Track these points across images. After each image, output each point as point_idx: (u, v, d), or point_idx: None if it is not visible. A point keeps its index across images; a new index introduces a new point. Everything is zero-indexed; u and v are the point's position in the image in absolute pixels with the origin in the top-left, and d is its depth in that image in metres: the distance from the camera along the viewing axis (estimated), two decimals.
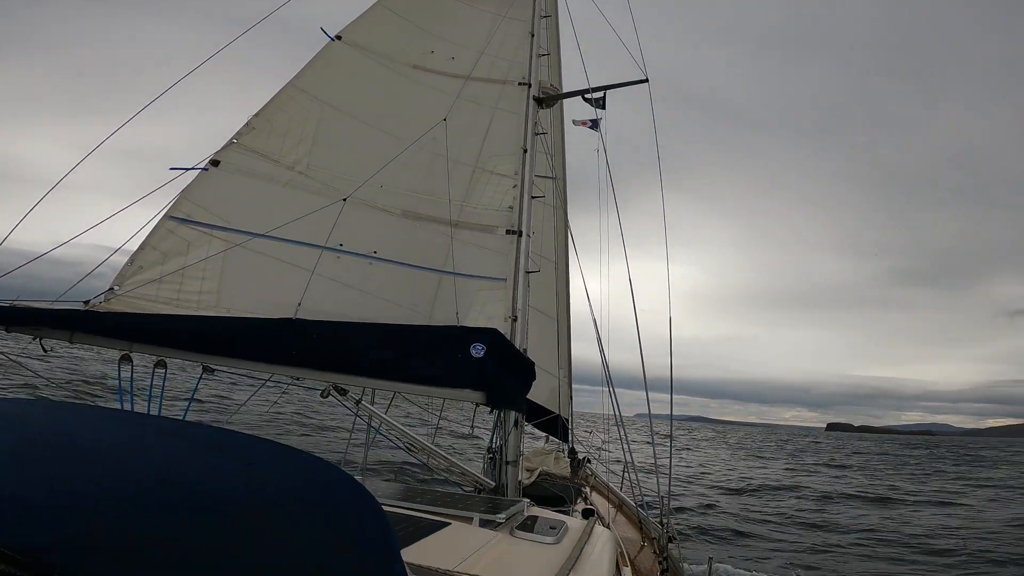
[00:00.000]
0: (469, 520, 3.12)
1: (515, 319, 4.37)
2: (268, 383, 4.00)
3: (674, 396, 6.05)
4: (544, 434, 8.27)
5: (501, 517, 3.18)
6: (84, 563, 0.73)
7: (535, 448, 8.33)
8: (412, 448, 4.30)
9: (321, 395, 3.77)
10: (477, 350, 3.81)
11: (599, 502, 7.17)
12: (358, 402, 3.94)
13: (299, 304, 4.06)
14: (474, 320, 4.25)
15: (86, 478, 0.94)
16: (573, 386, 8.10)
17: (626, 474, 7.31)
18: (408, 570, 0.94)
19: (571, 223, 6.67)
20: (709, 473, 30.55)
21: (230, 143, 4.32)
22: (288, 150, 4.44)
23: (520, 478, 4.56)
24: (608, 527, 4.11)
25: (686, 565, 5.80)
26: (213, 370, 3.81)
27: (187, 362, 3.85)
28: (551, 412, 7.13)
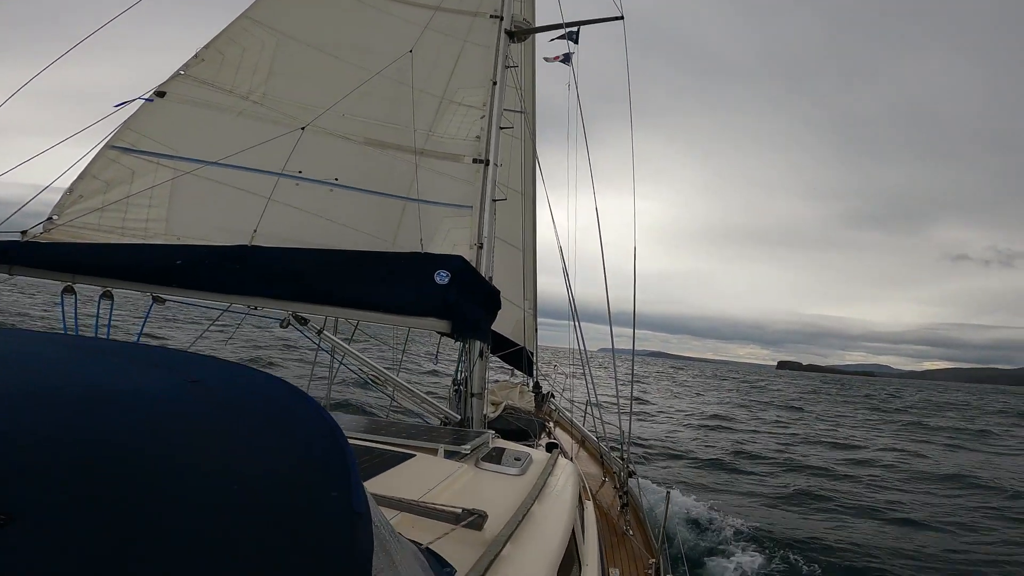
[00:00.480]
0: (434, 452, 3.09)
1: (481, 246, 4.26)
2: (223, 315, 3.87)
3: (636, 331, 6.10)
4: (509, 367, 8.30)
5: (466, 448, 3.15)
6: (9, 481, 0.63)
7: (500, 382, 8.40)
8: (376, 380, 4.23)
9: (280, 325, 3.66)
10: (441, 277, 3.69)
11: (562, 437, 7.38)
12: (320, 332, 3.82)
13: (255, 231, 3.90)
14: (439, 247, 4.12)
15: (9, 391, 0.82)
16: (538, 319, 8.12)
17: (588, 410, 7.48)
18: (371, 499, 0.87)
19: (539, 158, 6.53)
20: (669, 410, 31.72)
21: (176, 75, 4.11)
22: (241, 81, 4.23)
23: (485, 411, 4.54)
24: (571, 461, 4.14)
25: (645, 499, 5.93)
26: (164, 300, 3.64)
27: (138, 293, 3.64)
28: (516, 344, 7.13)
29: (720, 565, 8.22)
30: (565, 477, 3.31)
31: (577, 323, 6.04)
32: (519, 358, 7.44)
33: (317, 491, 0.76)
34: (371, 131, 4.46)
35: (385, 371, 4.18)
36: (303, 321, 3.70)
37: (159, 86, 4.06)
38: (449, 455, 3.09)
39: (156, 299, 3.65)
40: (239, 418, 0.88)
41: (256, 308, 3.70)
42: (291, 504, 0.72)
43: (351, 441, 2.89)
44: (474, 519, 1.97)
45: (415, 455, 2.84)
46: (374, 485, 2.24)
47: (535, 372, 7.90)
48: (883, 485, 14.70)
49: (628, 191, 6.24)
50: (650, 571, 4.43)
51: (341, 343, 4.02)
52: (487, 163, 4.43)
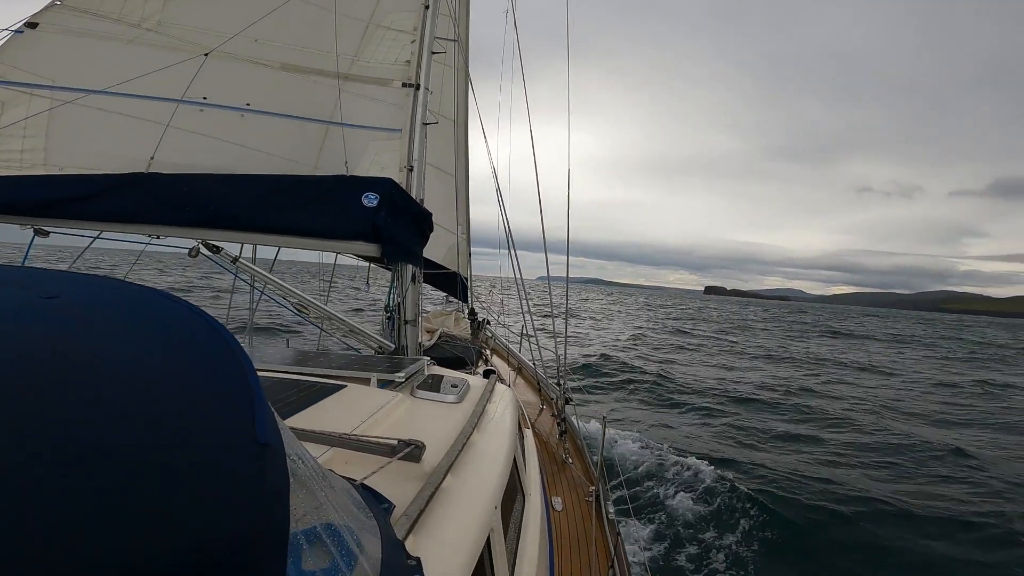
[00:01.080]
0: (366, 381, 2.94)
1: (411, 169, 3.99)
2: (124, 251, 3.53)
3: (572, 259, 6.04)
4: (443, 294, 8.15)
5: (400, 376, 3.01)
6: None
7: (435, 310, 8.22)
8: (302, 308, 3.97)
9: (189, 254, 3.36)
10: (370, 199, 3.46)
11: (499, 364, 7.31)
12: (235, 260, 3.53)
13: (152, 158, 3.55)
14: (365, 170, 3.83)
15: None
16: (473, 248, 7.92)
17: (524, 337, 7.45)
18: (287, 432, 0.76)
19: (473, 87, 6.22)
20: (605, 335, 32.75)
21: (51, 4, 3.76)
22: (132, 9, 3.83)
23: (421, 339, 4.38)
24: (509, 388, 4.02)
25: (582, 426, 5.99)
26: (47, 232, 3.33)
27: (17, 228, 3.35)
28: (450, 269, 6.95)
29: (658, 489, 8.50)
30: (504, 404, 3.21)
31: (512, 248, 5.90)
32: (453, 284, 7.27)
33: (210, 419, 0.62)
34: (289, 56, 4.09)
35: (312, 300, 3.94)
36: (215, 249, 3.40)
37: (30, 17, 3.72)
38: (383, 384, 2.94)
39: (38, 231, 3.34)
40: (107, 337, 0.69)
41: (158, 237, 3.38)
42: (178, 437, 0.57)
43: (276, 375, 2.61)
44: (411, 450, 1.85)
45: (346, 386, 2.66)
46: (301, 420, 2.10)
47: (470, 298, 7.73)
48: (810, 414, 15.76)
49: (562, 124, 6.04)
50: (590, 499, 4.45)
51: (261, 271, 3.74)
52: (417, 87, 4.12)
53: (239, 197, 3.41)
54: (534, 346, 6.52)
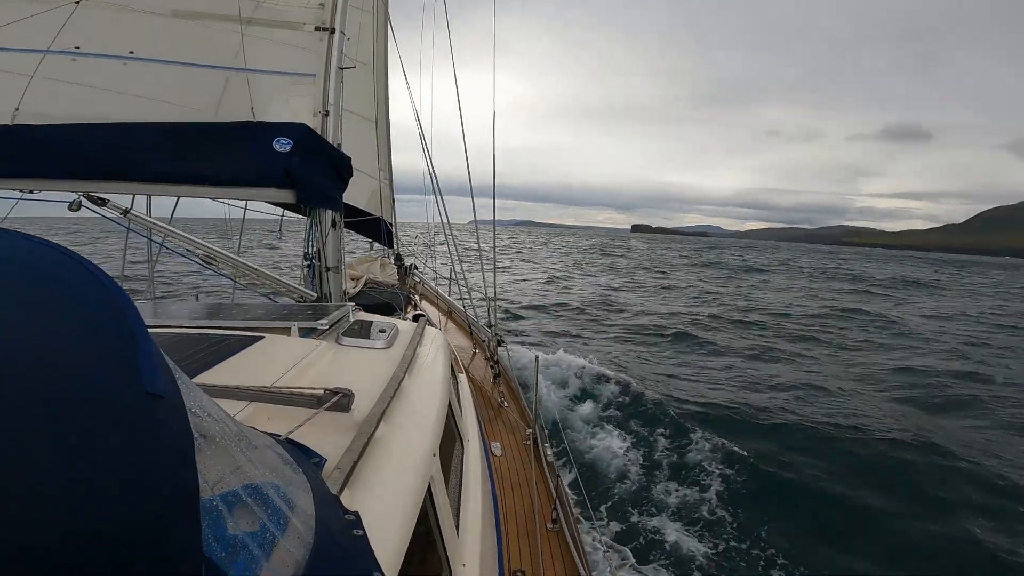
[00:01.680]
0: (286, 331, 2.74)
1: (327, 114, 3.79)
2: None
3: (502, 202, 5.98)
4: (368, 240, 7.90)
5: (323, 324, 2.82)
6: None
7: (359, 256, 7.96)
8: (210, 261, 3.69)
9: (70, 207, 3.05)
10: (282, 144, 3.26)
11: (429, 309, 7.19)
12: (125, 212, 3.24)
13: (16, 110, 3.16)
14: (276, 116, 3.56)
15: None
16: (399, 196, 7.66)
17: (453, 280, 7.35)
18: (190, 387, 0.70)
19: (394, 31, 5.93)
20: (533, 276, 33.16)
21: None
22: None
23: (345, 287, 4.27)
24: (440, 331, 3.88)
25: (515, 368, 5.98)
26: None
27: None
28: (372, 215, 6.72)
29: (592, 427, 8.62)
30: (435, 347, 3.06)
31: (437, 189, 5.84)
32: (377, 230, 7.03)
33: (86, 370, 0.55)
34: (180, 2, 3.69)
35: (221, 250, 3.68)
36: (100, 202, 3.11)
37: None
38: (304, 333, 2.76)
39: None
40: None
41: (32, 191, 3.05)
42: (54, 392, 0.51)
43: (184, 331, 2.33)
44: (339, 399, 1.74)
45: (264, 337, 2.45)
46: (214, 375, 1.94)
47: (396, 243, 7.51)
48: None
49: (486, 69, 5.89)
50: (527, 442, 4.40)
51: (158, 222, 3.45)
52: (332, 31, 3.87)
53: (128, 146, 3.12)
54: (463, 288, 6.49)
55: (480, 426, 4.07)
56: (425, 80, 7.09)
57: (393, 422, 1.83)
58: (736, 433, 8.32)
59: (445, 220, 6.03)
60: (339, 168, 3.71)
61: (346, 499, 1.24)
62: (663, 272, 42.63)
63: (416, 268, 8.18)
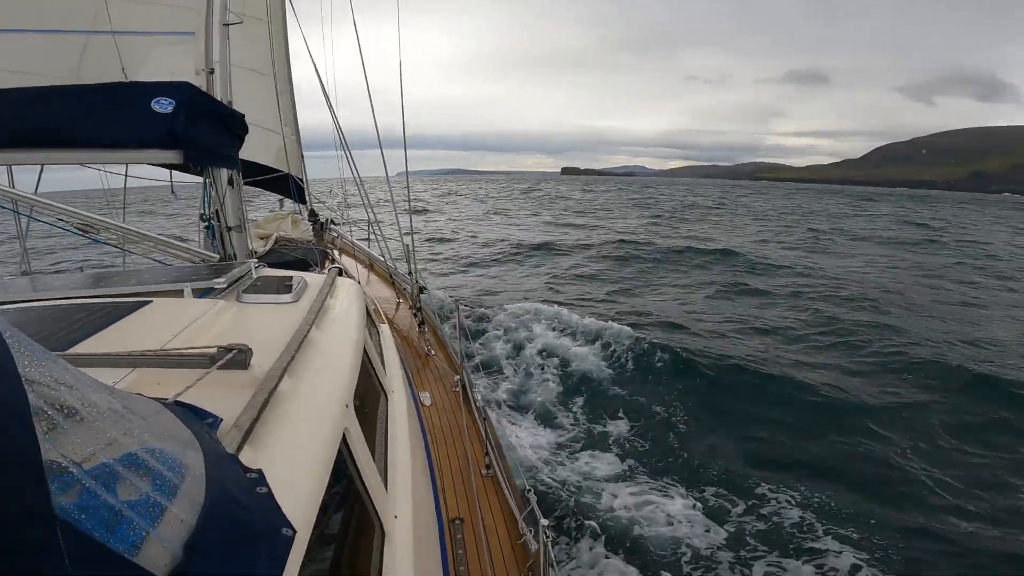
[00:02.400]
0: (179, 294, 2.53)
1: (212, 71, 3.59)
2: None
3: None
4: (279, 197, 7.45)
5: (221, 282, 2.61)
6: None
7: (268, 215, 7.50)
8: (89, 229, 3.43)
9: None
10: (162, 104, 3.05)
11: (349, 263, 7.02)
12: None
13: None
14: (151, 77, 3.31)
15: None
16: (312, 152, 7.34)
17: (372, 232, 7.07)
18: (33, 352, 0.69)
19: None
20: (458, 223, 33.03)
21: None
22: None
23: (252, 246, 4.12)
24: (356, 282, 3.68)
25: (437, 317, 5.94)
26: None
27: None
28: (279, 171, 6.43)
29: (518, 361, 8.83)
30: (349, 297, 2.89)
31: (344, 142, 5.73)
32: (286, 186, 6.71)
33: None
34: None
35: (100, 218, 3.41)
36: None
37: None
38: (201, 294, 2.55)
39: None
40: None
41: None
42: None
43: (62, 302, 2.24)
44: (234, 356, 1.60)
45: (151, 301, 2.24)
46: (94, 345, 1.74)
47: (308, 199, 7.20)
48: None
49: (403, 17, 5.68)
50: (456, 388, 4.33)
51: (23, 192, 3.17)
52: None
53: None
54: (378, 237, 6.34)
55: (408, 377, 3.96)
56: (337, 31, 6.78)
57: (298, 376, 1.73)
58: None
59: (355, 173, 5.93)
60: (232, 126, 3.55)
61: (247, 457, 1.18)
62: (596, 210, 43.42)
63: (334, 223, 7.87)
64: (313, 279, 2.89)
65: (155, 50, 3.46)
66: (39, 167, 3.38)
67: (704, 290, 14.93)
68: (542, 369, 8.54)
